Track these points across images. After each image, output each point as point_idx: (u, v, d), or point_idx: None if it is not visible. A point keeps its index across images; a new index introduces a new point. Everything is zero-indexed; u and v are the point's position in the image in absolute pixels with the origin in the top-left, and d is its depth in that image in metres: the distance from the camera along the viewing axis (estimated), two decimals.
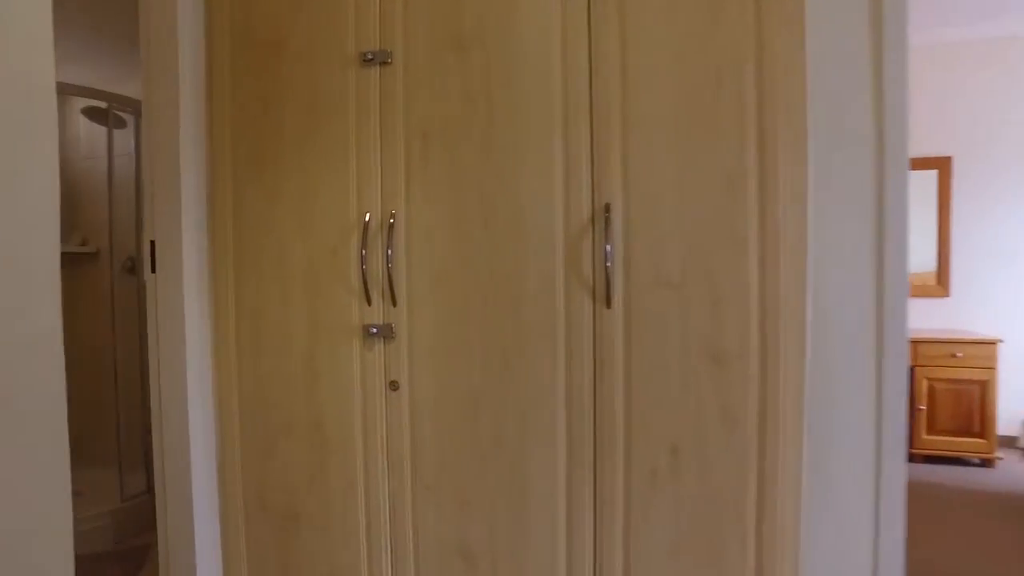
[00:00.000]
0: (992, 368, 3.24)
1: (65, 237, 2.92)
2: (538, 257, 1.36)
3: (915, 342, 3.32)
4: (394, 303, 1.44)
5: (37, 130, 0.87)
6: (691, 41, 1.26)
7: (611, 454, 1.33)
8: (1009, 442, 3.57)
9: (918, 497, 2.82)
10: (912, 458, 3.37)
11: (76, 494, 2.65)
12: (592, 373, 1.33)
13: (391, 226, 1.43)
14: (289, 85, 1.50)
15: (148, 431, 1.72)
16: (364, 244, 1.44)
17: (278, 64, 1.51)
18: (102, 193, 2.83)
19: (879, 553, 1.32)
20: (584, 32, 1.32)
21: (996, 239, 3.63)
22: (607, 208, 1.30)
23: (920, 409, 3.35)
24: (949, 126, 3.68)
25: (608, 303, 1.31)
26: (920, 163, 3.65)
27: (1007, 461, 3.35)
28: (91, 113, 2.89)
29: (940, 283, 3.71)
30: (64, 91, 2.62)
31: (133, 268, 2.83)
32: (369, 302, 1.46)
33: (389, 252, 1.43)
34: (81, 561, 2.24)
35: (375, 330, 1.46)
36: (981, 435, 3.28)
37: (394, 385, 1.46)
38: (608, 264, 1.29)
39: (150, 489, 2.56)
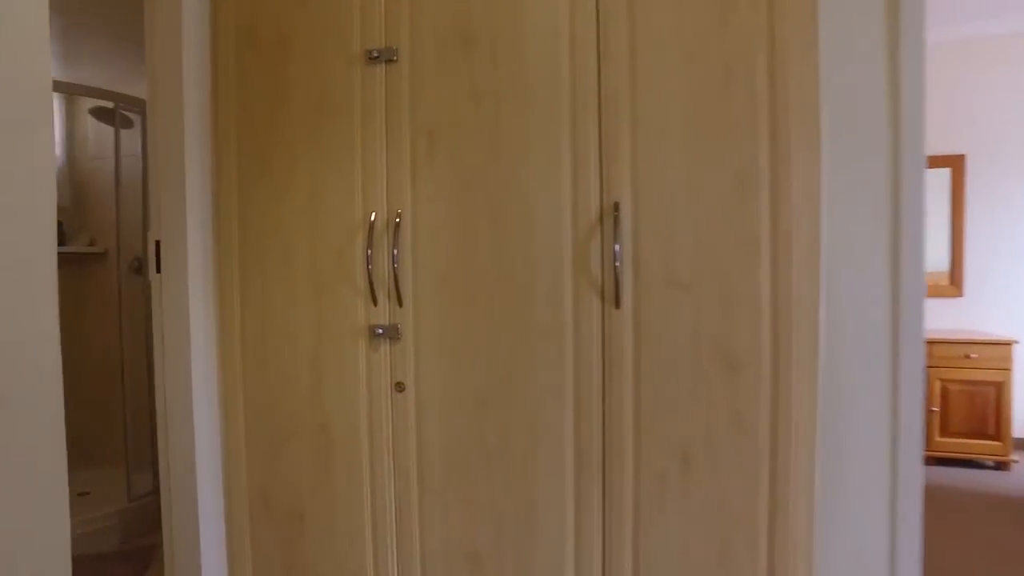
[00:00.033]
0: (1007, 369, 3.19)
1: (73, 237, 2.93)
2: (546, 257, 1.34)
3: (928, 343, 3.28)
4: (400, 303, 1.43)
5: (34, 131, 0.87)
6: (701, 37, 1.24)
7: (620, 457, 1.31)
8: None
9: (931, 500, 2.78)
10: (924, 460, 3.32)
11: (83, 494, 2.67)
12: (601, 375, 1.31)
13: (397, 225, 1.42)
14: (294, 84, 1.49)
15: (155, 431, 1.72)
16: (370, 244, 1.42)
17: (283, 62, 1.50)
18: (109, 193, 2.84)
19: (896, 559, 1.29)
20: (593, 28, 1.30)
21: (1011, 238, 3.58)
22: (616, 207, 1.28)
23: (933, 411, 3.30)
24: (962, 123, 3.63)
25: (617, 303, 1.29)
26: (933, 161, 3.60)
27: (1023, 464, 3.29)
28: (99, 113, 2.90)
29: (953, 283, 3.66)
30: (72, 91, 2.63)
31: (140, 268, 2.83)
32: (375, 302, 1.45)
33: (395, 252, 1.41)
34: (88, 561, 2.25)
35: (381, 331, 1.44)
36: (996, 437, 3.23)
37: (400, 386, 1.44)
38: (617, 264, 1.27)
39: (157, 489, 2.56)
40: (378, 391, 1.46)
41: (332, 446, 1.50)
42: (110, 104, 2.62)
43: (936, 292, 3.67)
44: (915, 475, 1.27)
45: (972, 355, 3.25)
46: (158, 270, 1.56)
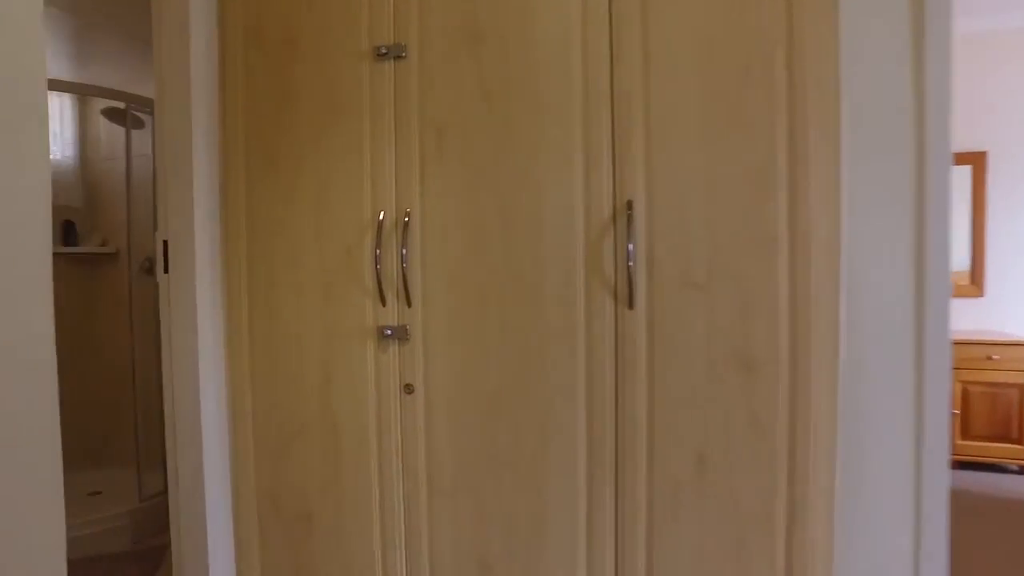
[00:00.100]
0: None
1: (85, 237, 2.94)
2: (558, 256, 1.31)
3: None
4: (409, 304, 1.41)
5: (30, 130, 0.86)
6: (717, 29, 1.20)
7: (633, 459, 1.28)
8: None
9: (952, 505, 2.71)
10: None
11: (95, 494, 2.68)
12: (614, 377, 1.28)
13: (406, 224, 1.40)
14: (302, 81, 1.48)
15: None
16: (378, 243, 1.40)
17: (291, 60, 1.49)
18: (121, 194, 2.85)
19: (920, 562, 1.25)
20: (605, 22, 1.27)
21: None
22: (629, 205, 1.25)
23: (954, 413, 3.23)
24: (984, 120, 3.55)
25: (630, 304, 1.26)
26: (954, 158, 3.52)
27: None
28: (110, 114, 2.91)
29: (974, 282, 3.58)
30: (84, 92, 2.64)
31: (151, 268, 2.84)
32: (384, 303, 1.43)
33: (404, 251, 1.39)
34: (99, 561, 2.25)
35: (390, 331, 1.42)
36: (1019, 441, 3.15)
37: (409, 388, 1.42)
38: (630, 263, 1.24)
39: (168, 489, 2.56)
40: (387, 392, 1.44)
41: (340, 447, 1.48)
42: (122, 105, 2.63)
43: (957, 292, 3.59)
44: (941, 475, 1.23)
45: (994, 356, 3.17)
46: (166, 270, 1.56)
